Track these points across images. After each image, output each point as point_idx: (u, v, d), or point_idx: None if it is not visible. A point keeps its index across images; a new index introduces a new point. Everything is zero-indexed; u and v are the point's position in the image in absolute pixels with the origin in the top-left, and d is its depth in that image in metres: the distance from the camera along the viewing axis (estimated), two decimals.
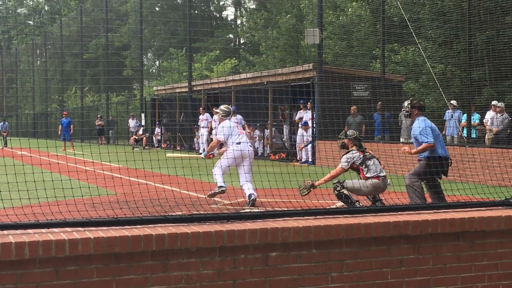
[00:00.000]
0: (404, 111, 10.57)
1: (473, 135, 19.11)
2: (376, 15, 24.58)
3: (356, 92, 21.73)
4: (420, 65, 22.70)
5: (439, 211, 5.75)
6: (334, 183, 10.60)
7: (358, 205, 10.44)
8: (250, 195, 11.17)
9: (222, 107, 12.52)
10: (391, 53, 24.89)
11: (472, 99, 18.01)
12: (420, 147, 10.03)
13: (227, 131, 11.84)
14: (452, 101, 19.84)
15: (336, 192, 10.48)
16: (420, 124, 10.11)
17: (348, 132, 11.08)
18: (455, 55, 21.81)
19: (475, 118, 19.24)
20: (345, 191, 10.43)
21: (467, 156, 15.42)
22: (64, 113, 35.18)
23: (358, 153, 10.68)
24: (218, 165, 11.77)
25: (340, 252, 5.15)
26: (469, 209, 5.84)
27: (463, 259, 5.47)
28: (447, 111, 20.48)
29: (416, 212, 5.67)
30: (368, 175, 10.51)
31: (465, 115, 18.97)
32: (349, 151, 10.82)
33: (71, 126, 34.26)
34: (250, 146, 12.14)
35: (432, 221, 5.36)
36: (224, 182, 11.49)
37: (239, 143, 11.76)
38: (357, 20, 28.39)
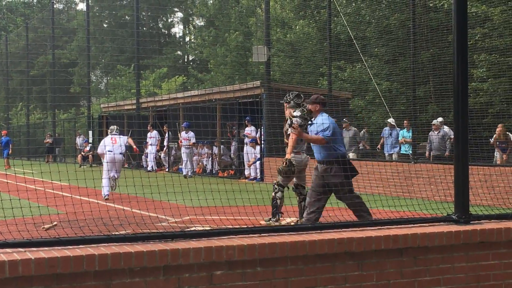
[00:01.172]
0: (301, 108, 10.12)
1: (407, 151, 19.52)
2: (323, 33, 24.84)
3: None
4: (367, 82, 22.99)
5: (383, 227, 5.80)
6: (273, 186, 10.90)
7: (278, 217, 10.74)
8: (105, 195, 15.59)
9: (112, 127, 17.49)
10: (338, 70, 25.17)
11: (416, 116, 18.30)
12: (314, 137, 9.46)
13: (102, 143, 16.93)
14: (389, 120, 20.15)
15: (274, 194, 10.77)
16: (324, 120, 9.60)
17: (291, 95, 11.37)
18: (400, 72, 22.16)
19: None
20: (279, 194, 10.73)
21: (410, 173, 15.64)
22: (4, 132, 34.68)
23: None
24: (103, 177, 16.03)
25: (285, 270, 5.15)
26: (412, 225, 5.91)
27: (407, 275, 5.53)
28: (384, 129, 20.81)
29: (360, 228, 5.71)
30: (294, 149, 10.81)
31: (408, 131, 19.28)
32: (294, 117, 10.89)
33: (10, 145, 33.88)
34: (120, 153, 16.66)
35: (376, 238, 5.41)
36: (108, 192, 15.77)
37: (110, 151, 16.35)
38: (304, 38, 28.66)
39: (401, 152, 20.31)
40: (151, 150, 29.37)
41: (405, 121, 19.84)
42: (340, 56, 23.81)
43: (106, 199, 15.45)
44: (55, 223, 9.09)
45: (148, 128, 30.06)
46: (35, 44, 53.48)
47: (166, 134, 29.20)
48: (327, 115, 9.80)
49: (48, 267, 4.47)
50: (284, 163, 10.78)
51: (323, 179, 9.29)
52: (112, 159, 16.39)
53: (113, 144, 16.61)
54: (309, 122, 9.90)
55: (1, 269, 4.34)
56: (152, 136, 29.41)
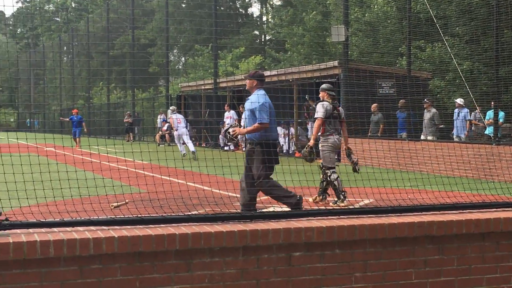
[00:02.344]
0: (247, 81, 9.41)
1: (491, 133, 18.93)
2: (403, 12, 24.43)
3: (381, 90, 21.60)
4: (447, 62, 22.53)
5: (464, 211, 5.70)
6: (323, 171, 11.35)
7: (344, 197, 10.79)
8: (193, 151, 22.42)
9: (171, 107, 25.12)
10: (417, 50, 24.74)
11: (499, 97, 17.82)
12: (253, 127, 8.90)
13: (174, 121, 23.71)
14: (457, 100, 19.63)
15: (327, 178, 11.24)
16: (260, 99, 8.98)
17: (322, 86, 11.86)
18: (482, 52, 21.60)
19: (500, 116, 19.00)
20: (333, 176, 11.10)
21: (492, 155, 15.27)
22: (74, 110, 35.31)
23: (331, 106, 11.47)
24: (176, 142, 24.11)
25: (363, 252, 5.13)
26: (495, 209, 5.78)
27: (488, 260, 5.42)
28: (455, 110, 20.24)
29: (440, 212, 5.63)
30: (326, 131, 11.30)
31: (491, 112, 18.76)
32: (323, 101, 11.57)
33: (83, 123, 34.33)
34: (184, 127, 23.85)
35: (457, 222, 5.32)
36: (184, 151, 23.02)
37: (177, 129, 23.66)
38: (383, 17, 28.24)
39: (484, 133, 19.77)
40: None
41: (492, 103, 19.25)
42: (419, 36, 23.37)
43: (184, 154, 22.47)
44: (127, 201, 9.25)
45: (225, 108, 30.25)
46: (115, 24, 54.41)
47: (243, 115, 29.32)
48: (264, 92, 9.23)
49: (130, 245, 4.56)
50: (307, 147, 11.32)
51: (248, 161, 8.89)
52: (180, 133, 23.66)
53: (178, 123, 23.66)
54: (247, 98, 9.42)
55: (86, 246, 4.46)
56: (230, 116, 29.58)
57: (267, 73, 29.62)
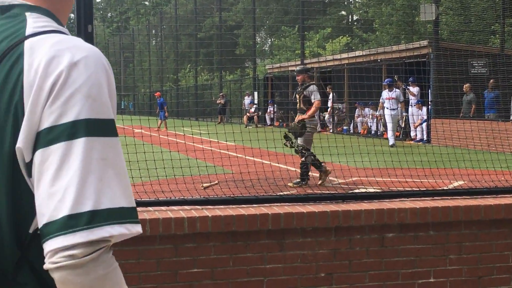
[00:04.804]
0: None
1: None
2: None
3: (473, 69, 21.07)
4: None
5: None
6: (301, 151, 10.78)
7: (324, 168, 10.66)
8: None
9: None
10: (511, 28, 24.00)
11: None
12: None
13: None
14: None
15: (311, 160, 10.71)
16: None
17: (297, 68, 11.94)
18: None
19: None
20: (309, 159, 10.65)
21: None
22: (157, 94, 35.71)
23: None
24: None
25: (458, 234, 5.04)
26: None
27: None
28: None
29: None
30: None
31: None
32: (311, 84, 11.50)
33: (165, 107, 34.55)
34: None
35: None
36: None
37: None
38: None
39: None
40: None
41: None
42: None
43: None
44: (216, 182, 9.34)
45: None
46: (202, 7, 54.87)
47: (330, 95, 29.14)
48: None
49: (224, 225, 4.62)
50: (299, 121, 10.94)
51: None
52: None
53: None
54: None
55: (180, 225, 4.54)
56: None
57: (354, 53, 29.35)
